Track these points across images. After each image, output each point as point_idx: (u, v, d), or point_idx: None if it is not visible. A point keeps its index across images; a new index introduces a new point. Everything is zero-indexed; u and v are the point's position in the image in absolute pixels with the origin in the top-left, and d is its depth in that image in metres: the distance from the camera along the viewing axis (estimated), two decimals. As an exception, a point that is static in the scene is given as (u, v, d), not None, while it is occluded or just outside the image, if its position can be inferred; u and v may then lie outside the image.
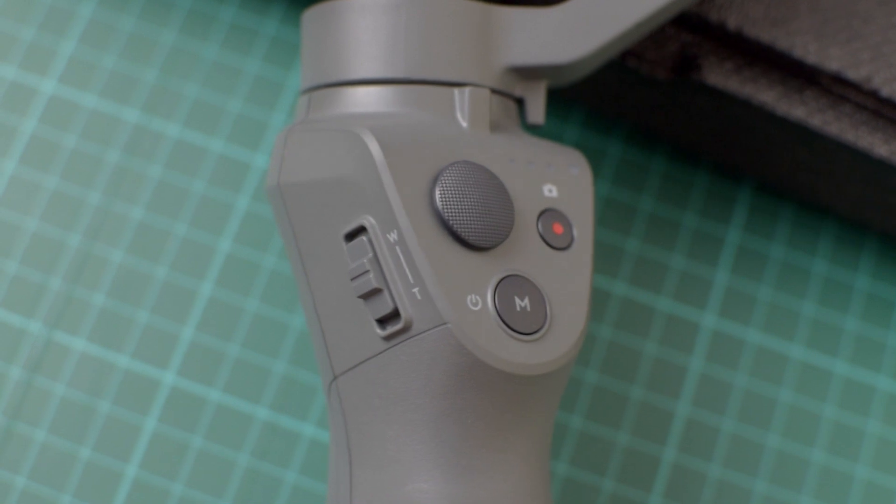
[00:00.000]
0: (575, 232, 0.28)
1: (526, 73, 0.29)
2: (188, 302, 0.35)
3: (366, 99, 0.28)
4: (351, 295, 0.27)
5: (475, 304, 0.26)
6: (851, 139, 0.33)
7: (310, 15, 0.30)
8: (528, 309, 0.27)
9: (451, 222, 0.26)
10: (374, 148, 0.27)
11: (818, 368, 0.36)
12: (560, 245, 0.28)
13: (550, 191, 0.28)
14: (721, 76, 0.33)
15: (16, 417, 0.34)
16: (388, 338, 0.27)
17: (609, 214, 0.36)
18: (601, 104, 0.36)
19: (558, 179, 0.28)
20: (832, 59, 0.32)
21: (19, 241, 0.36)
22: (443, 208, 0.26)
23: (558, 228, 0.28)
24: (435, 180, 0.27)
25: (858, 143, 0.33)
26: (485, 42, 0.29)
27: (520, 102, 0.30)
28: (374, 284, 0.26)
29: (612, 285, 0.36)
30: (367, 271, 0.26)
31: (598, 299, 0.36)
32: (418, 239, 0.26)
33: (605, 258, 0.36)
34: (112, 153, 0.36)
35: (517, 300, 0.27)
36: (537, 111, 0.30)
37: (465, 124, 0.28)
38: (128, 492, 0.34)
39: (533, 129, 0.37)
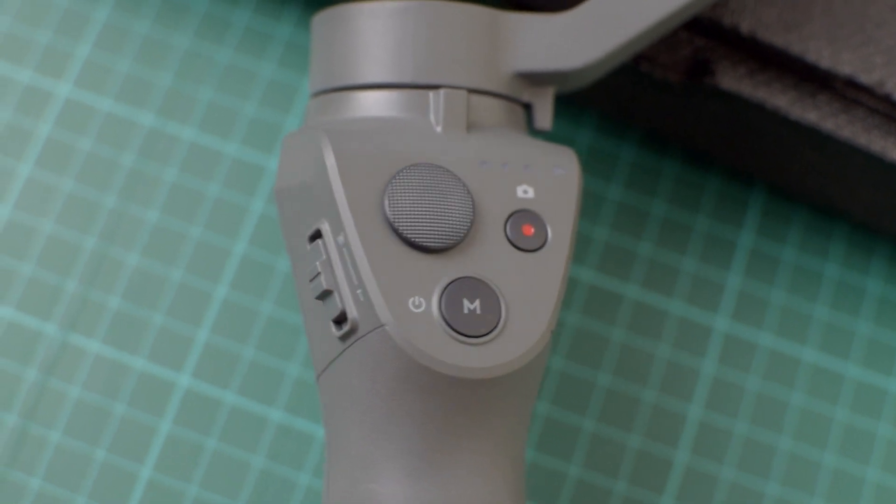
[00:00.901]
0: (550, 233, 0.27)
1: (534, 79, 0.30)
2: (203, 304, 0.35)
3: (372, 103, 0.29)
4: (312, 297, 0.28)
5: (418, 307, 0.26)
6: (864, 143, 0.33)
7: (319, 19, 0.30)
8: (478, 312, 0.26)
9: (396, 225, 0.27)
10: (328, 152, 0.27)
11: (830, 372, 0.36)
12: (529, 247, 0.27)
13: (526, 192, 0.28)
14: (734, 80, 0.33)
15: (31, 419, 0.35)
16: (342, 338, 0.27)
17: (621, 218, 0.37)
18: (614, 108, 0.36)
19: (537, 180, 0.28)
20: (845, 63, 0.33)
21: (35, 243, 0.36)
22: (390, 211, 0.27)
23: (528, 230, 0.27)
24: (387, 184, 0.27)
25: (871, 146, 0.33)
26: (493, 48, 0.29)
27: (527, 108, 0.30)
28: (325, 286, 0.27)
29: (624, 288, 0.36)
30: (319, 273, 0.27)
31: (611, 303, 0.36)
32: (362, 242, 0.26)
33: (618, 262, 0.36)
34: (127, 156, 0.36)
35: (466, 303, 0.26)
36: (545, 117, 0.30)
37: (438, 127, 0.28)
38: (142, 493, 0.34)
39: (544, 135, 0.37)
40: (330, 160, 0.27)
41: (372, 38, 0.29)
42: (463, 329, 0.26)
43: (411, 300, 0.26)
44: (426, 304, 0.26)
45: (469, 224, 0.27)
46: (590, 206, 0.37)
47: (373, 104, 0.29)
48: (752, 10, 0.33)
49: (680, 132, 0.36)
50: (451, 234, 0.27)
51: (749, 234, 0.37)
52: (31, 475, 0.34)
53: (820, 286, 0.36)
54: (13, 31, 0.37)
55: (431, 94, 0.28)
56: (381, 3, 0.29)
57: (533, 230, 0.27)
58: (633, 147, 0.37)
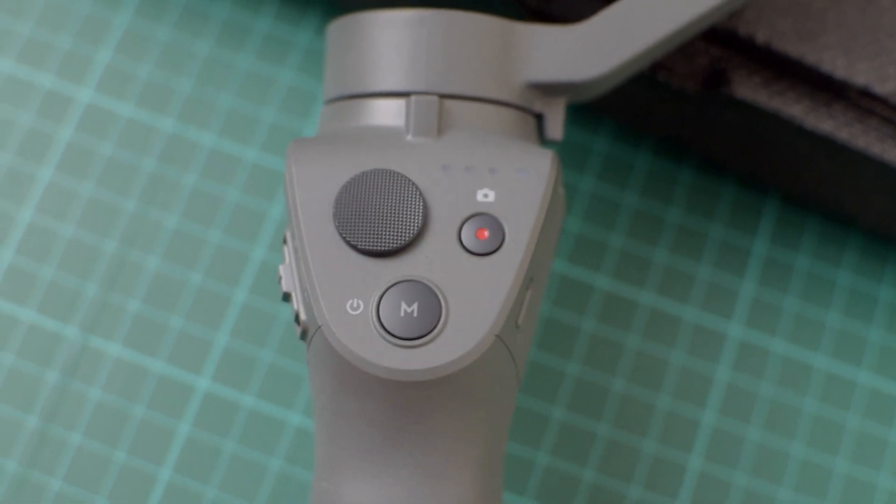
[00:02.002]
0: (508, 237, 0.27)
1: (546, 90, 0.30)
2: (222, 308, 0.36)
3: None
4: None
5: (355, 309, 0.27)
6: (878, 152, 0.33)
7: (335, 26, 0.30)
8: (415, 315, 0.26)
9: (341, 229, 0.27)
10: (289, 161, 0.28)
11: (843, 378, 0.36)
12: (482, 250, 0.27)
13: (486, 195, 0.27)
14: (750, 90, 0.33)
15: (51, 421, 0.35)
16: (301, 339, 0.28)
17: (637, 225, 0.37)
18: (630, 116, 0.36)
19: (499, 184, 0.28)
20: (859, 73, 0.33)
21: (56, 247, 0.36)
22: (336, 217, 0.27)
23: (482, 234, 0.27)
24: (340, 191, 0.27)
25: (885, 156, 0.33)
26: (505, 58, 0.29)
27: (539, 118, 0.30)
28: (284, 289, 0.28)
29: (639, 295, 0.36)
30: (281, 277, 0.28)
31: (626, 309, 0.36)
32: (310, 246, 0.27)
33: (633, 269, 0.36)
34: (148, 161, 0.37)
35: (404, 305, 0.26)
36: (556, 127, 0.30)
37: (409, 135, 0.28)
38: (161, 495, 0.34)
39: (557, 143, 0.37)
40: (289, 169, 0.28)
41: (384, 47, 0.29)
42: (397, 331, 0.26)
43: (349, 302, 0.27)
44: (364, 307, 0.27)
45: (416, 228, 0.27)
46: (606, 213, 0.37)
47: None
48: (767, 21, 0.33)
49: (695, 140, 0.36)
50: (395, 237, 0.27)
51: (763, 242, 0.37)
52: (51, 476, 0.34)
53: (833, 294, 0.37)
54: (35, 37, 0.37)
55: (405, 101, 0.29)
56: (395, 11, 0.29)
57: (487, 234, 0.27)
58: (648, 155, 0.37)
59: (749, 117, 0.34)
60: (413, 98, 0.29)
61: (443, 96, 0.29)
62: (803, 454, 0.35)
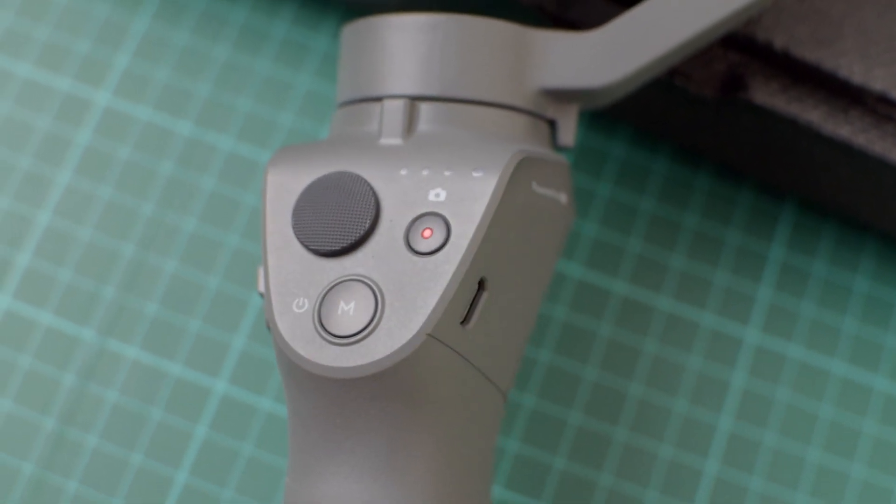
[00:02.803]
0: (452, 236, 0.27)
1: (559, 96, 0.30)
2: (239, 311, 0.36)
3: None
4: None
5: (300, 307, 0.27)
6: (895, 158, 0.33)
7: (349, 30, 0.30)
8: (351, 313, 0.26)
9: (296, 230, 0.27)
10: (268, 166, 0.28)
11: (859, 384, 0.36)
12: (425, 249, 0.27)
13: (437, 195, 0.27)
14: (767, 95, 0.33)
15: (69, 423, 0.35)
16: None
17: (654, 231, 0.37)
18: (647, 122, 0.36)
19: (452, 184, 0.27)
20: (877, 79, 0.33)
21: (74, 250, 0.36)
22: (293, 219, 0.28)
23: (427, 233, 0.27)
24: (301, 193, 0.28)
25: (902, 162, 0.33)
26: (520, 64, 0.29)
27: (551, 124, 0.30)
28: (259, 289, 0.28)
29: (656, 300, 0.36)
30: (258, 277, 0.28)
31: (642, 314, 0.36)
32: (268, 246, 0.28)
33: (650, 274, 0.37)
34: (165, 165, 0.37)
35: (342, 304, 0.27)
36: (568, 134, 0.30)
37: (380, 138, 0.29)
38: (178, 497, 0.35)
39: (568, 151, 0.37)
40: (265, 175, 0.28)
41: (395, 50, 0.29)
42: (333, 329, 0.26)
43: (296, 301, 0.27)
44: (308, 305, 0.27)
45: (364, 229, 0.27)
46: (623, 218, 0.37)
47: None
48: (785, 27, 0.33)
49: (713, 146, 0.36)
50: (343, 237, 0.27)
51: (780, 248, 0.37)
52: (68, 478, 0.35)
53: (850, 299, 0.37)
54: (53, 40, 0.38)
55: (377, 104, 0.29)
56: (409, 15, 0.29)
57: (431, 233, 0.27)
58: (666, 160, 0.37)
59: (766, 123, 0.34)
60: (384, 102, 0.29)
61: (452, 100, 0.29)
62: (819, 459, 0.35)
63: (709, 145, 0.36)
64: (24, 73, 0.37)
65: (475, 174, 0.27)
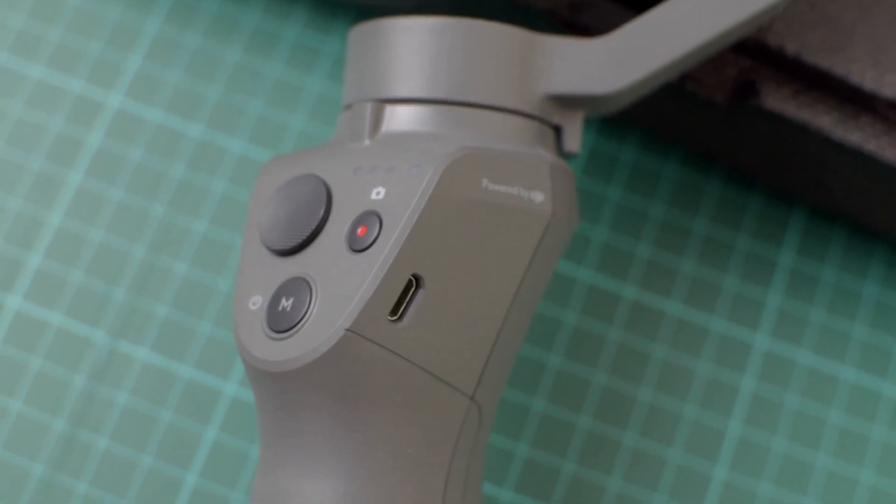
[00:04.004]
0: (383, 232, 0.27)
1: (565, 102, 0.30)
2: (250, 314, 0.36)
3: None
4: None
5: (255, 304, 0.28)
6: (906, 165, 0.33)
7: (356, 32, 0.30)
8: (289, 309, 0.27)
9: (259, 231, 0.29)
10: (261, 170, 0.30)
11: (869, 390, 0.36)
12: (359, 246, 0.27)
13: (378, 193, 0.27)
14: (778, 101, 0.33)
15: (79, 425, 0.35)
16: None
17: (664, 236, 0.37)
18: (658, 126, 0.36)
19: (392, 181, 0.27)
20: (888, 86, 0.33)
21: (85, 251, 0.36)
22: (258, 220, 0.29)
23: (362, 230, 0.27)
24: (270, 195, 0.29)
25: (913, 168, 0.33)
26: (525, 68, 0.29)
27: (557, 130, 0.30)
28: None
29: (666, 305, 0.36)
30: None
31: (652, 319, 0.36)
32: (243, 247, 0.29)
33: (660, 279, 0.37)
34: (176, 167, 0.37)
35: (283, 300, 0.27)
36: (573, 140, 0.30)
37: (350, 141, 0.29)
38: (188, 499, 0.35)
39: (573, 157, 0.37)
40: (255, 181, 0.30)
41: (407, 54, 0.29)
42: (274, 325, 0.27)
43: (252, 299, 0.28)
44: (262, 303, 0.28)
45: (312, 228, 0.28)
46: (633, 223, 0.37)
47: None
48: (797, 33, 0.33)
49: (723, 151, 0.36)
50: (294, 237, 0.28)
51: (790, 254, 0.37)
52: (78, 480, 0.35)
53: (859, 305, 0.37)
54: (65, 43, 0.38)
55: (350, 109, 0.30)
56: (416, 18, 0.29)
57: (366, 230, 0.27)
58: (676, 165, 0.37)
59: (777, 128, 0.34)
60: (355, 105, 0.29)
61: (457, 104, 0.29)
62: (828, 465, 0.36)
63: (719, 150, 0.36)
64: (36, 75, 0.38)
65: (412, 171, 0.27)
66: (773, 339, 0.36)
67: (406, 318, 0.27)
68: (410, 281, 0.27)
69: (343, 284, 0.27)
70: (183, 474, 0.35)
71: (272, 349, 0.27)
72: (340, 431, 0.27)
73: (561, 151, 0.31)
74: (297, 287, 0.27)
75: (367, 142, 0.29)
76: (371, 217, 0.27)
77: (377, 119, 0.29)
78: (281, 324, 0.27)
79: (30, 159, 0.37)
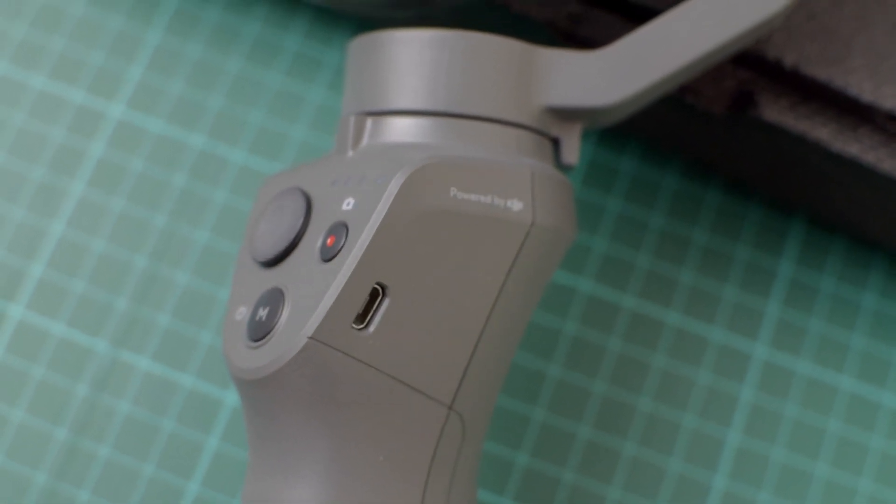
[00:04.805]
0: (348, 241, 0.27)
1: (563, 115, 0.30)
2: (251, 324, 0.36)
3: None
4: None
5: (240, 315, 0.29)
6: (904, 176, 0.33)
7: (356, 44, 0.30)
8: (263, 319, 0.28)
9: (248, 243, 0.30)
10: (262, 184, 0.31)
11: (868, 400, 0.36)
12: (328, 256, 0.27)
13: (348, 204, 0.28)
14: (777, 112, 0.33)
15: (81, 434, 0.35)
16: None
17: (664, 246, 0.37)
18: (658, 137, 0.37)
19: (360, 192, 0.28)
20: (887, 97, 0.33)
21: (87, 261, 0.36)
22: (249, 232, 0.30)
23: (331, 240, 0.27)
24: (263, 208, 0.30)
25: (911, 180, 0.33)
26: (523, 81, 0.29)
27: (555, 142, 0.30)
28: None
29: (665, 315, 0.36)
30: None
31: (652, 329, 0.36)
32: (238, 259, 0.30)
33: (660, 289, 0.37)
34: (178, 177, 0.37)
35: (260, 310, 0.28)
36: (571, 152, 0.30)
37: (335, 153, 0.30)
38: (189, 509, 0.35)
39: (570, 169, 0.37)
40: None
41: (406, 66, 0.29)
42: (251, 334, 0.28)
43: (239, 310, 0.29)
44: (246, 313, 0.28)
45: (289, 240, 0.28)
46: (633, 233, 0.37)
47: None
48: (795, 45, 0.33)
49: (722, 162, 0.36)
50: (273, 249, 0.29)
51: (789, 264, 0.37)
52: (80, 489, 0.35)
53: (858, 316, 0.37)
54: (67, 53, 0.38)
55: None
56: (415, 31, 0.29)
57: (334, 239, 0.27)
58: (675, 176, 0.38)
59: (776, 140, 0.34)
60: (342, 118, 0.30)
61: (447, 115, 0.29)
62: (827, 474, 0.36)
63: (718, 161, 0.36)
64: (37, 85, 0.38)
65: (378, 181, 0.27)
66: (772, 348, 0.36)
67: (372, 327, 0.27)
68: (376, 290, 0.27)
69: (310, 294, 0.27)
70: (185, 483, 0.35)
71: (248, 357, 0.28)
72: (314, 438, 0.27)
73: (559, 163, 0.31)
74: (273, 297, 0.28)
75: (350, 153, 0.29)
76: (339, 227, 0.27)
77: (360, 131, 0.29)
78: (256, 333, 0.28)
79: (32, 169, 0.37)
